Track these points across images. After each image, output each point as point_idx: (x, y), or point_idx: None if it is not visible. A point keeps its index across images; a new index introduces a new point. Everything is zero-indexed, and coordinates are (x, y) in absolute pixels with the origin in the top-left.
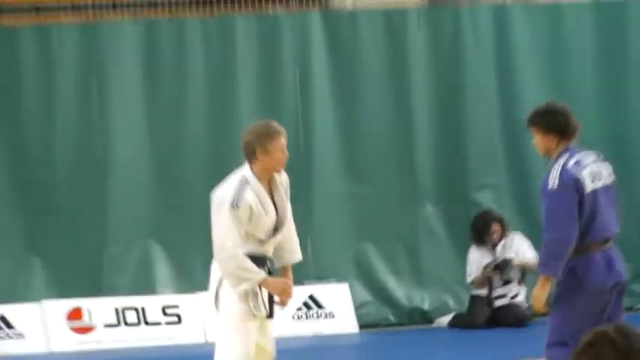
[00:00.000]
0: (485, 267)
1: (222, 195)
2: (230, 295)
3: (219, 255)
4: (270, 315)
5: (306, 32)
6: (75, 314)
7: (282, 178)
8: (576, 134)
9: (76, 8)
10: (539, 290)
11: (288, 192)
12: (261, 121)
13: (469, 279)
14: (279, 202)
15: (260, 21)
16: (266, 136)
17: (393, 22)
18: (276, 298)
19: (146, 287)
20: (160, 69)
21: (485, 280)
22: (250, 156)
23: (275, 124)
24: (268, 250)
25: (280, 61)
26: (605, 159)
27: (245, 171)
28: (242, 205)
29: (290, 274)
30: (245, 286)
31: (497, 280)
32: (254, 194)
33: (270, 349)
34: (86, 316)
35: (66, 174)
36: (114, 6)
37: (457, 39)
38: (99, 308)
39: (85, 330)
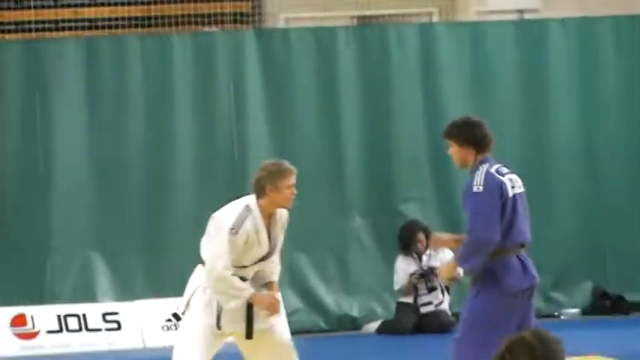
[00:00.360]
0: (412, 275)
1: (223, 219)
2: (199, 307)
3: (209, 275)
4: (249, 336)
5: (240, 49)
6: (19, 320)
7: (283, 213)
8: (491, 146)
9: (19, 25)
10: (448, 268)
11: (285, 227)
12: (274, 160)
13: (396, 287)
14: (274, 236)
15: (196, 39)
16: (278, 174)
17: (322, 40)
18: (266, 312)
19: (87, 295)
20: (100, 84)
21: (412, 288)
22: (260, 192)
23: (287, 164)
24: (249, 273)
25: (215, 76)
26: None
27: (250, 201)
28: (240, 232)
29: (276, 288)
30: (234, 303)
31: (422, 287)
32: (254, 225)
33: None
34: (30, 322)
35: (10, 186)
36: (56, 23)
37: (385, 57)
38: (42, 315)
39: (29, 336)
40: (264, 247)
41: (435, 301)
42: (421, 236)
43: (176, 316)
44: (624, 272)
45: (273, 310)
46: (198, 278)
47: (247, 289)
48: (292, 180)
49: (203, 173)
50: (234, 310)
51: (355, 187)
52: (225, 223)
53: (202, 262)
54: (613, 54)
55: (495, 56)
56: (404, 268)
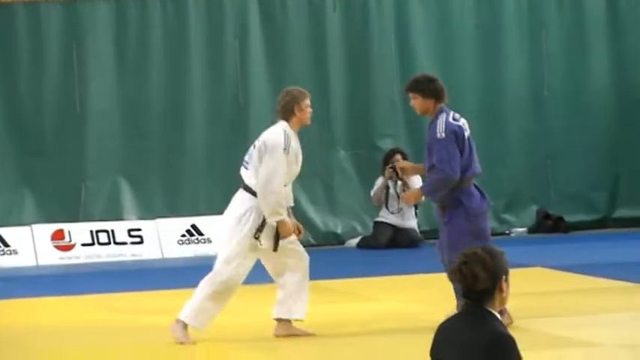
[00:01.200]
0: (385, 168)
1: (275, 140)
2: (249, 227)
3: (265, 188)
4: (275, 249)
5: (245, 11)
6: (58, 235)
7: None
8: (446, 98)
9: None
10: (414, 194)
11: None
12: (292, 87)
13: (372, 194)
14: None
15: (208, 1)
16: (300, 95)
17: (314, 4)
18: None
19: (115, 214)
20: (127, 39)
21: (382, 195)
22: (289, 114)
23: (302, 89)
24: (286, 193)
25: (224, 33)
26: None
27: (284, 126)
28: (290, 151)
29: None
30: (276, 218)
31: (393, 201)
32: (296, 143)
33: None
34: (67, 236)
35: (51, 123)
36: None
37: (365, 18)
38: (77, 230)
39: (67, 248)
40: (299, 166)
41: (406, 222)
42: (397, 157)
43: (189, 232)
44: (564, 197)
45: (297, 234)
46: (243, 202)
47: (285, 213)
48: (309, 100)
49: (212, 114)
50: (269, 227)
51: (340, 125)
52: (278, 144)
53: (234, 188)
54: (556, 13)
55: (457, 18)
56: (380, 182)
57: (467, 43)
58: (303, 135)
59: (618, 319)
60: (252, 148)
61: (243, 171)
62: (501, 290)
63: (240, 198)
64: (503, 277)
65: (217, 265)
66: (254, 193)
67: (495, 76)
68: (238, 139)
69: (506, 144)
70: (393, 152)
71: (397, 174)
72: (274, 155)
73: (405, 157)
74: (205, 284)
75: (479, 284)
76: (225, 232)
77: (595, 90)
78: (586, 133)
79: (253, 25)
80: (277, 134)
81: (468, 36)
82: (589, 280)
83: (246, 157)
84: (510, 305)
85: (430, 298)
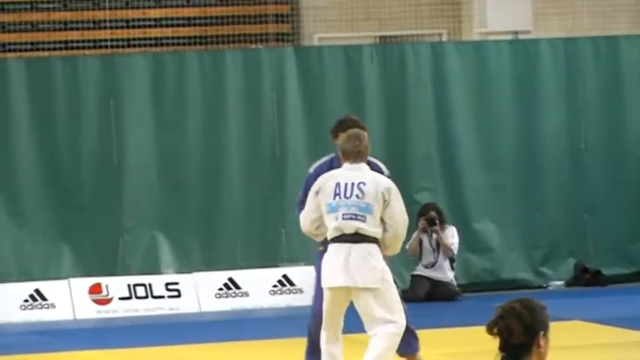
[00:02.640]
0: (420, 218)
1: (390, 182)
2: (390, 275)
3: (404, 228)
4: None
5: (282, 64)
6: (96, 289)
7: None
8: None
9: (97, 43)
10: None
11: None
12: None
13: (407, 247)
14: None
15: (245, 55)
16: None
17: (351, 56)
18: None
19: (152, 268)
20: (165, 92)
21: (417, 247)
22: (366, 155)
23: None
24: None
25: (261, 86)
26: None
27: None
28: None
29: None
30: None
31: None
32: None
33: None
34: (105, 290)
35: (89, 176)
36: (128, 41)
37: (402, 70)
38: (115, 284)
39: (104, 302)
40: None
41: (444, 278)
42: (432, 213)
43: (226, 286)
44: (602, 250)
45: None
46: (372, 252)
47: None
48: None
49: (249, 169)
50: None
51: None
52: (394, 185)
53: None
54: (593, 67)
55: (494, 69)
56: (416, 234)
57: (504, 94)
58: None
59: None
60: (338, 198)
61: (356, 224)
62: (539, 346)
63: (364, 250)
64: (541, 332)
65: (395, 317)
66: (376, 242)
67: (532, 127)
68: (275, 192)
69: (543, 196)
70: (427, 206)
71: (432, 225)
72: (398, 195)
73: (439, 212)
74: (392, 337)
75: (514, 338)
76: (379, 286)
77: (632, 141)
78: (624, 186)
79: (290, 77)
80: (386, 178)
81: (504, 87)
82: (628, 333)
83: (343, 211)
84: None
85: (470, 350)
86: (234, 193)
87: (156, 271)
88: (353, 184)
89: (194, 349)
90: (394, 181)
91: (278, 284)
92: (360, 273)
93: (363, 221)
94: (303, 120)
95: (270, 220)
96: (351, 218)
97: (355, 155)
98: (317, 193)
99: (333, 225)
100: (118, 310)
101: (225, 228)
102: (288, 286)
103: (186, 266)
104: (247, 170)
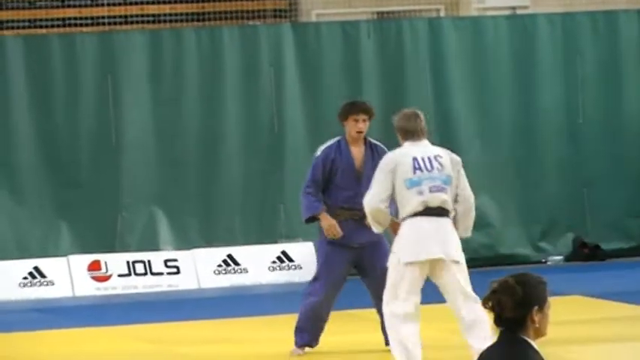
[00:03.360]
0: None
1: (458, 157)
2: None
3: (474, 202)
4: None
5: (279, 40)
6: (94, 266)
7: None
8: None
9: (95, 20)
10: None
11: None
12: (399, 112)
13: None
14: None
15: (242, 31)
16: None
17: (348, 32)
18: None
19: (151, 244)
20: (162, 69)
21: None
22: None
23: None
24: None
25: (259, 62)
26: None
27: None
28: None
29: None
30: None
31: None
32: None
33: None
34: (103, 267)
35: (87, 154)
36: (125, 18)
37: (399, 46)
38: (114, 261)
39: (103, 279)
40: None
41: None
42: None
43: (225, 262)
44: (600, 225)
45: None
46: (453, 229)
47: None
48: None
49: (248, 143)
50: None
51: None
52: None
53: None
54: (591, 42)
55: (492, 45)
56: None
57: (501, 69)
58: None
59: None
60: (419, 172)
61: (442, 196)
62: (533, 321)
63: (449, 224)
64: (536, 307)
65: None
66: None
67: (530, 102)
68: (274, 167)
69: (541, 171)
70: None
71: None
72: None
73: None
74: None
75: (506, 313)
76: (461, 259)
77: (630, 116)
78: (621, 160)
79: (288, 53)
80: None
81: (502, 62)
82: (627, 307)
83: (428, 185)
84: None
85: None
86: (232, 169)
87: (154, 247)
88: (430, 157)
89: (193, 326)
90: None
91: (277, 260)
92: (452, 246)
93: (446, 193)
94: (301, 96)
95: (269, 196)
96: (438, 190)
97: (418, 133)
98: (392, 171)
99: (417, 199)
100: (117, 287)
101: (224, 204)
102: (287, 262)
103: (184, 243)
104: (245, 146)
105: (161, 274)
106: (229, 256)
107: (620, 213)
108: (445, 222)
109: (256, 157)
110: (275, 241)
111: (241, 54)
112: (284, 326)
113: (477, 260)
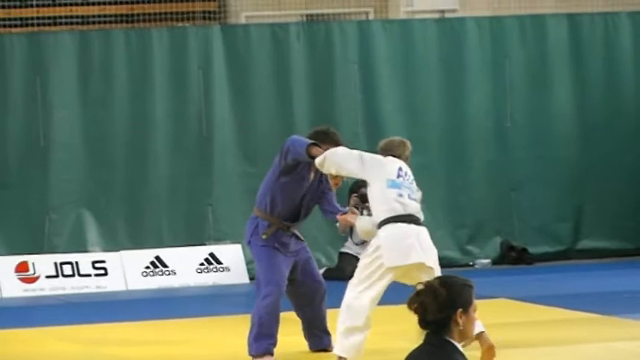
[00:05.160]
0: (351, 195)
1: None
2: None
3: None
4: None
5: (208, 42)
6: (22, 267)
7: None
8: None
9: (23, 21)
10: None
11: None
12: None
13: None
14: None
15: (171, 33)
16: None
17: (277, 34)
18: None
19: (79, 246)
20: (91, 70)
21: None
22: None
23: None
24: None
25: (187, 64)
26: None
27: None
28: None
29: None
30: None
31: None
32: None
33: None
34: (31, 268)
35: (15, 155)
36: (54, 19)
37: (329, 48)
38: (41, 262)
39: (30, 280)
40: None
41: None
42: (364, 190)
43: (153, 264)
44: (527, 229)
45: None
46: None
47: None
48: None
49: (176, 145)
50: None
51: None
52: None
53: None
54: (519, 46)
55: (420, 48)
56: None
57: (430, 73)
58: (265, 167)
59: (581, 350)
60: (402, 179)
61: (418, 207)
62: (457, 323)
63: (427, 232)
64: (460, 309)
65: None
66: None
67: (458, 106)
68: (202, 169)
69: (469, 175)
70: (358, 183)
71: (364, 202)
72: None
73: (361, 197)
74: None
75: (429, 315)
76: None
77: (558, 119)
78: (549, 164)
79: (217, 55)
80: None
81: (431, 67)
82: (553, 311)
83: (407, 192)
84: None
85: (397, 329)
86: (160, 171)
87: (82, 249)
88: (409, 173)
89: (121, 327)
90: None
91: (205, 262)
92: (431, 253)
93: (417, 201)
94: (230, 98)
95: (197, 198)
96: (415, 200)
97: (402, 159)
98: (381, 163)
99: (396, 201)
100: (45, 288)
101: (152, 206)
102: (215, 264)
103: (112, 244)
104: (174, 148)
105: (89, 275)
106: (157, 257)
107: (548, 217)
108: (424, 230)
109: (184, 159)
110: (203, 243)
111: (170, 56)
112: (211, 327)
113: None
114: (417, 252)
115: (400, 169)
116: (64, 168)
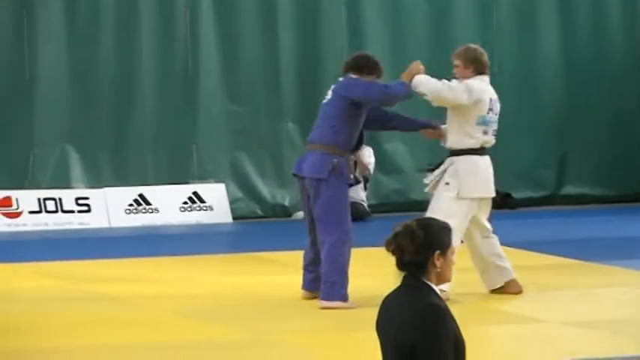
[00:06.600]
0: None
1: None
2: None
3: None
4: None
5: None
6: (5, 202)
7: None
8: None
9: None
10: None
11: None
12: (467, 46)
13: None
14: None
15: None
16: None
17: None
18: None
19: (63, 182)
20: (78, 6)
21: None
22: None
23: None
24: None
25: (174, 2)
26: None
27: None
28: None
29: None
30: None
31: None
32: None
33: None
34: (15, 203)
35: (0, 90)
36: None
37: None
38: (25, 198)
39: (14, 215)
40: None
41: (355, 196)
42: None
43: (137, 202)
44: (511, 174)
45: None
46: None
47: None
48: None
49: (162, 83)
50: None
51: (288, 96)
52: None
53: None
54: None
55: None
56: None
57: (417, 16)
58: (250, 106)
59: (563, 296)
60: (493, 115)
61: (494, 141)
62: (434, 265)
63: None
64: (437, 251)
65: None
66: None
67: (445, 49)
68: (187, 108)
69: None
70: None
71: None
72: None
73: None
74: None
75: (405, 256)
76: None
77: (544, 66)
78: (535, 109)
79: None
80: None
81: (418, 9)
82: (535, 256)
83: (492, 128)
84: (456, 280)
85: (378, 272)
86: (145, 109)
87: (66, 185)
88: (493, 100)
89: (103, 264)
90: (306, 97)
91: (188, 201)
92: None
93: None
94: (216, 37)
95: (181, 136)
96: (494, 135)
97: (487, 69)
98: (476, 102)
99: (481, 138)
100: (28, 223)
101: (137, 144)
102: (198, 203)
103: (96, 181)
104: (159, 86)
105: (72, 211)
106: (141, 195)
107: (532, 162)
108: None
109: (170, 98)
110: (187, 182)
111: None
112: (193, 266)
113: (388, 205)
114: (493, 185)
115: (491, 100)
116: (49, 104)
